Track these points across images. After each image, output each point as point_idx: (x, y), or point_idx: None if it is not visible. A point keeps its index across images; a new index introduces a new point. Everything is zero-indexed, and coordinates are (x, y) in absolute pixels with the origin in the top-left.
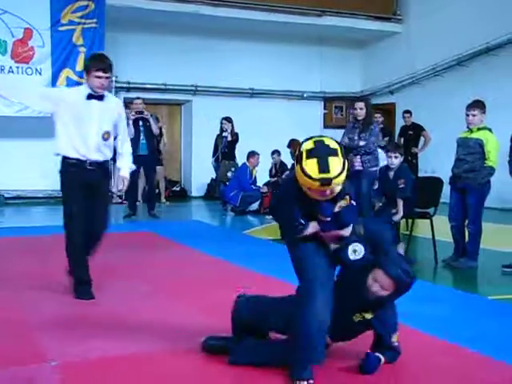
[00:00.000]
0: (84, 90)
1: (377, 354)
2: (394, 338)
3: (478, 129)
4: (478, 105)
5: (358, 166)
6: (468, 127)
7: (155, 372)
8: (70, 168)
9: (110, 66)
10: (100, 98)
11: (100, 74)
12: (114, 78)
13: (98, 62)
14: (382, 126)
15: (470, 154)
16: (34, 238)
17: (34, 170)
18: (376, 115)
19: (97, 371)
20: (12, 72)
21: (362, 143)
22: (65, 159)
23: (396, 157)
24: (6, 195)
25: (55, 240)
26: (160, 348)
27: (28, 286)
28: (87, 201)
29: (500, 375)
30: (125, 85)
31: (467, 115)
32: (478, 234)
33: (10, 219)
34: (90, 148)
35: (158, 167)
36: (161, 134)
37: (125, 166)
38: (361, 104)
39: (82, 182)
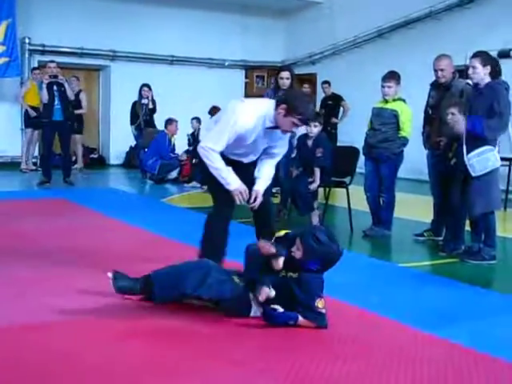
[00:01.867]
0: (264, 120)
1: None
2: (318, 304)
3: (393, 100)
4: (394, 76)
5: None
6: (383, 98)
7: (65, 338)
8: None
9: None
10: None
11: (300, 124)
12: (26, 40)
13: (311, 115)
14: None
15: (385, 125)
16: None
17: None
18: (305, 86)
19: (2, 339)
20: None
21: None
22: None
23: (315, 126)
24: None
25: None
26: (71, 314)
27: None
28: None
29: (406, 337)
30: (39, 47)
31: (383, 87)
32: (392, 204)
33: None
34: None
35: (77, 135)
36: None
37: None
38: (286, 73)
39: None
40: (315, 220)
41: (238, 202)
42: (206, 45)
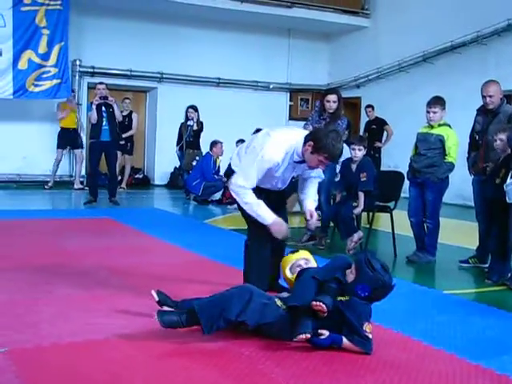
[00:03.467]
0: (292, 154)
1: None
2: (366, 328)
3: (439, 125)
4: (439, 101)
5: None
6: (428, 123)
7: (110, 358)
8: None
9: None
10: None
11: (326, 162)
12: (77, 63)
13: (338, 155)
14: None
15: (431, 150)
16: None
17: None
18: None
19: (49, 358)
20: None
21: None
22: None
23: (360, 149)
24: None
25: (13, 224)
26: (115, 334)
27: None
28: None
29: (451, 367)
30: (89, 69)
31: (428, 112)
32: (436, 229)
33: None
34: None
35: (126, 156)
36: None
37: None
38: (334, 97)
39: None
40: (354, 239)
41: (280, 237)
42: (251, 67)
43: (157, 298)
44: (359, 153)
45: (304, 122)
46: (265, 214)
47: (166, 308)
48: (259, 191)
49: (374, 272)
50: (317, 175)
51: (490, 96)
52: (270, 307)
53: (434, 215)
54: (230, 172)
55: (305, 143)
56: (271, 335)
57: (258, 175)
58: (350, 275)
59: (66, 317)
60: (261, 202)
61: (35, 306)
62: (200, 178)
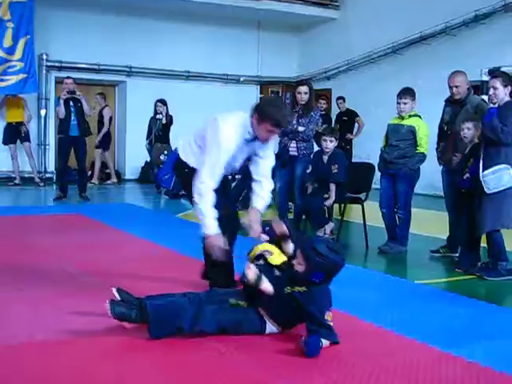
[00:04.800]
0: (244, 132)
1: (315, 336)
2: (328, 317)
3: (410, 116)
4: (409, 92)
5: (292, 151)
6: (399, 114)
7: (82, 356)
8: None
9: (283, 124)
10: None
11: (274, 129)
12: (44, 57)
13: (282, 119)
14: (323, 112)
15: (402, 141)
16: None
17: None
18: (321, 101)
19: (20, 357)
20: None
21: (300, 129)
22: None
23: (331, 141)
24: None
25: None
26: (87, 332)
27: None
28: None
29: (423, 355)
30: (56, 64)
31: (398, 103)
32: (408, 220)
33: None
34: None
35: (100, 150)
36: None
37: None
38: (305, 88)
39: None
40: (327, 231)
41: (211, 253)
42: (221, 60)
43: (118, 297)
44: (330, 144)
45: None
46: (209, 224)
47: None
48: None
49: (323, 257)
50: (264, 158)
51: (457, 86)
52: (224, 311)
53: (406, 206)
54: (179, 164)
55: (251, 117)
56: (244, 332)
57: (221, 168)
58: (299, 266)
59: (37, 315)
60: (211, 213)
61: (4, 305)
62: (171, 172)
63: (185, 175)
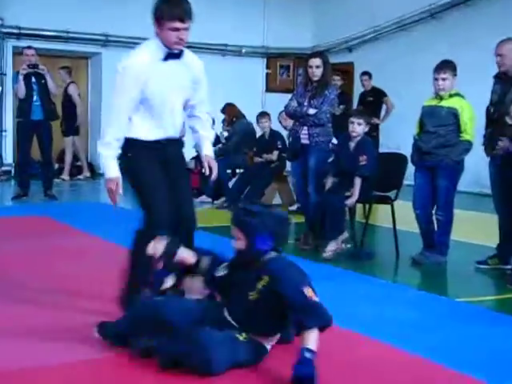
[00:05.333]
0: (156, 49)
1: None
2: (308, 293)
3: (450, 95)
4: (449, 66)
5: (304, 138)
6: (437, 93)
7: None
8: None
9: (188, 12)
10: (177, 56)
11: (177, 24)
12: None
13: (175, 8)
14: (339, 91)
15: (442, 126)
16: None
17: None
18: (335, 77)
19: None
20: None
21: (311, 111)
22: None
23: (359, 124)
24: None
25: None
26: (53, 357)
27: None
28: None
29: None
30: (14, 30)
31: (436, 79)
32: (449, 223)
33: None
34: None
35: (70, 137)
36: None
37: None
38: (317, 61)
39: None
40: (336, 246)
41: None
42: (219, 28)
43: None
44: (358, 128)
45: (285, 94)
46: (109, 166)
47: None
48: (148, 151)
49: (260, 215)
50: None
51: (501, 55)
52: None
53: (447, 206)
54: None
55: (155, 32)
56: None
57: (127, 109)
58: (239, 241)
59: None
60: (111, 153)
61: None
62: None
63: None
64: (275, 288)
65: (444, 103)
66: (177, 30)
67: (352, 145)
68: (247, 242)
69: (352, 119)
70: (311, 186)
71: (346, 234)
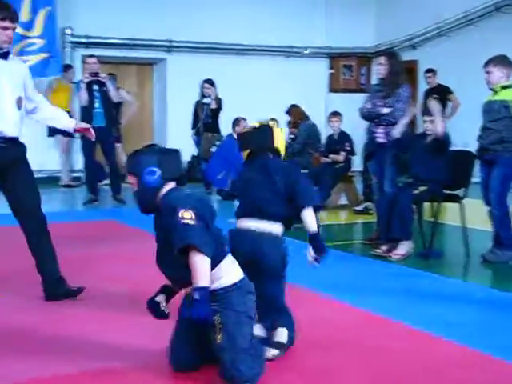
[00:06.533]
0: None
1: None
2: (184, 215)
3: (503, 87)
4: (494, 60)
5: (380, 138)
6: (490, 88)
7: None
8: None
9: (16, 13)
10: (5, 56)
11: (6, 24)
12: (68, 32)
13: (4, 10)
14: None
15: (496, 121)
16: None
17: None
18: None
19: None
20: None
21: (385, 111)
22: None
23: (431, 121)
24: None
25: (5, 231)
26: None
27: None
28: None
29: None
30: (83, 39)
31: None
32: (505, 218)
33: None
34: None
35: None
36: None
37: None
38: (381, 59)
39: None
40: (400, 251)
41: None
42: (281, 30)
43: None
44: (430, 126)
45: (348, 94)
46: None
47: None
48: None
49: (143, 152)
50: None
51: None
52: None
53: (500, 200)
54: None
55: None
56: None
57: None
58: (134, 187)
59: (56, 346)
60: None
61: (20, 333)
62: (225, 167)
63: None
64: (165, 220)
65: (496, 97)
66: (6, 29)
67: (429, 139)
68: (138, 183)
69: (425, 118)
70: (387, 181)
71: (410, 244)
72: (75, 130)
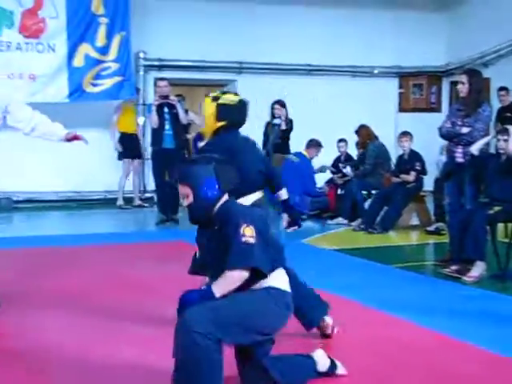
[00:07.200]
0: None
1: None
2: (246, 231)
3: None
4: None
5: (459, 157)
6: None
7: None
8: None
9: None
10: None
11: None
12: (141, 55)
13: None
14: None
15: None
16: (49, 249)
17: (45, 168)
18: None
19: None
20: (20, 49)
21: (464, 130)
22: None
23: (505, 140)
24: (15, 198)
25: (73, 252)
26: None
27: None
28: None
29: None
30: (156, 62)
31: None
32: None
33: (20, 227)
34: None
35: None
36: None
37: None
38: (462, 77)
39: None
40: (477, 272)
41: None
42: (348, 50)
43: None
44: (505, 145)
45: (418, 114)
46: None
47: None
48: None
49: (198, 162)
50: None
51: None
52: None
53: None
54: None
55: None
56: None
57: None
58: (187, 200)
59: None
60: None
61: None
62: (300, 189)
63: None
64: (223, 232)
65: None
66: None
67: (504, 158)
68: (194, 195)
69: (499, 137)
70: (468, 200)
71: (483, 265)
72: (67, 140)
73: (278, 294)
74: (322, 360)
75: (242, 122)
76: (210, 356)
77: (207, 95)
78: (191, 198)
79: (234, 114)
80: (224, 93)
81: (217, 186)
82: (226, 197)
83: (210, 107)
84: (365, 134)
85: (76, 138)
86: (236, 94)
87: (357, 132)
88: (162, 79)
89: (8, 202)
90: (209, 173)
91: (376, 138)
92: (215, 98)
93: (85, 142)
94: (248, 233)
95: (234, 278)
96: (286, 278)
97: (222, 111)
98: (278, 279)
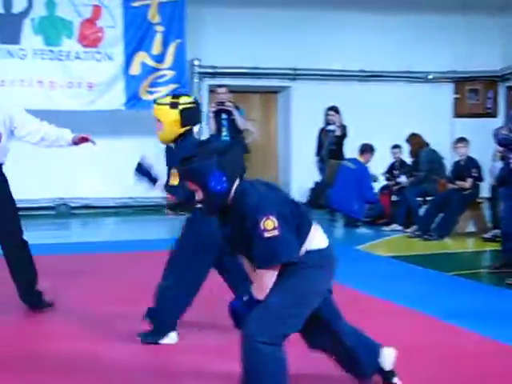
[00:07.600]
0: None
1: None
2: (266, 225)
3: None
4: None
5: None
6: None
7: None
8: None
9: None
10: None
11: None
12: (196, 63)
13: None
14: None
15: None
16: (105, 255)
17: (101, 175)
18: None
19: None
20: (79, 58)
21: None
22: None
23: None
24: (72, 204)
25: (131, 258)
26: None
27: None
28: None
29: None
30: (210, 70)
31: None
32: None
33: (78, 233)
34: None
35: None
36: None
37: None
38: None
39: None
40: None
41: None
42: (402, 55)
43: None
44: None
45: (474, 119)
46: None
47: None
48: None
49: (200, 156)
50: None
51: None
52: None
53: None
54: None
55: None
56: None
57: None
58: (198, 194)
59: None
60: None
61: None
62: (356, 195)
63: None
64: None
65: None
66: None
67: None
68: (203, 191)
69: None
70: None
71: None
72: (75, 143)
73: (318, 256)
74: (389, 358)
75: (200, 121)
76: (276, 357)
77: (159, 103)
78: (201, 194)
79: (197, 115)
80: (175, 96)
81: (224, 178)
82: (237, 183)
83: (170, 114)
84: (415, 143)
85: (84, 140)
86: (184, 94)
87: (408, 141)
88: (220, 86)
89: (66, 208)
90: (212, 168)
91: (427, 144)
92: (174, 104)
93: (93, 143)
94: (269, 226)
95: (267, 277)
96: (321, 232)
97: (187, 116)
98: (315, 239)
